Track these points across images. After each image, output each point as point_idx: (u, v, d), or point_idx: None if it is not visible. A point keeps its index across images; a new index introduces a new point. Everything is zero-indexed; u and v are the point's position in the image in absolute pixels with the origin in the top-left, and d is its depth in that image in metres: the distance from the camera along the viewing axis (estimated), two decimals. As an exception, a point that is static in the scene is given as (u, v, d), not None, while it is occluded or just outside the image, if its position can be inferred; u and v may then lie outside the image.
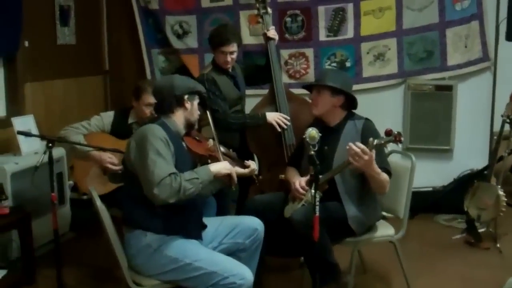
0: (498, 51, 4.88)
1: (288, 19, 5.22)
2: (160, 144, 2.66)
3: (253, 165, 3.21)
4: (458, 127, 5.10)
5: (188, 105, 2.90)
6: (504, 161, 4.52)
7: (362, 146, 2.86)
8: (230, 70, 3.99)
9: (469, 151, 5.13)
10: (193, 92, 2.94)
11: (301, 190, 3.19)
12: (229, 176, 2.90)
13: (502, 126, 4.26)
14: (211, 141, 3.31)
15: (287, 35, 5.21)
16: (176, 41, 5.43)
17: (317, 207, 2.65)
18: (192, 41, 5.41)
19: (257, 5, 4.18)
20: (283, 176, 3.65)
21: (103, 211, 2.80)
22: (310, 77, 5.24)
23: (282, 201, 3.37)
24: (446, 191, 5.07)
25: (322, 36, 5.20)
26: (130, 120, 3.87)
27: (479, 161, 5.04)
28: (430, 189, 5.06)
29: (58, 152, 4.32)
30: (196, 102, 2.97)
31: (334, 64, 5.20)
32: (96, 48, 5.67)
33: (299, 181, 3.23)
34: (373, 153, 2.88)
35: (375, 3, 5.06)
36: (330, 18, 5.16)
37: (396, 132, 2.80)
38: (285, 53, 5.23)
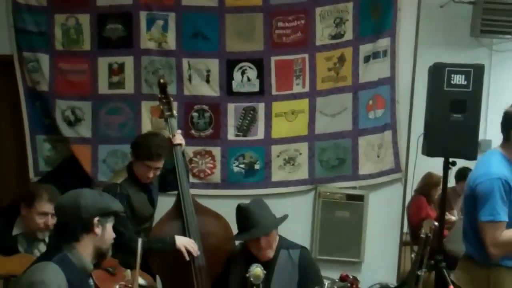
0: (412, 163, 4.74)
1: (195, 114, 4.82)
2: None
3: None
4: (368, 238, 4.87)
5: (98, 230, 2.33)
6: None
7: None
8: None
9: (378, 264, 4.90)
10: (106, 214, 2.37)
11: None
12: None
13: (421, 245, 4.05)
14: (128, 272, 2.75)
15: (193, 131, 4.79)
16: (67, 129, 4.79)
17: None
18: (84, 130, 4.79)
19: (161, 106, 3.77)
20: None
21: None
22: (216, 177, 4.83)
23: None
24: (354, 307, 4.78)
25: (231, 135, 4.84)
26: (16, 231, 3.23)
27: (387, 275, 4.86)
28: (337, 305, 4.72)
29: None
30: (110, 224, 2.39)
31: (242, 166, 4.84)
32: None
33: None
34: None
35: (287, 105, 4.81)
36: (240, 117, 4.83)
37: (351, 277, 2.56)
38: (190, 150, 4.77)
